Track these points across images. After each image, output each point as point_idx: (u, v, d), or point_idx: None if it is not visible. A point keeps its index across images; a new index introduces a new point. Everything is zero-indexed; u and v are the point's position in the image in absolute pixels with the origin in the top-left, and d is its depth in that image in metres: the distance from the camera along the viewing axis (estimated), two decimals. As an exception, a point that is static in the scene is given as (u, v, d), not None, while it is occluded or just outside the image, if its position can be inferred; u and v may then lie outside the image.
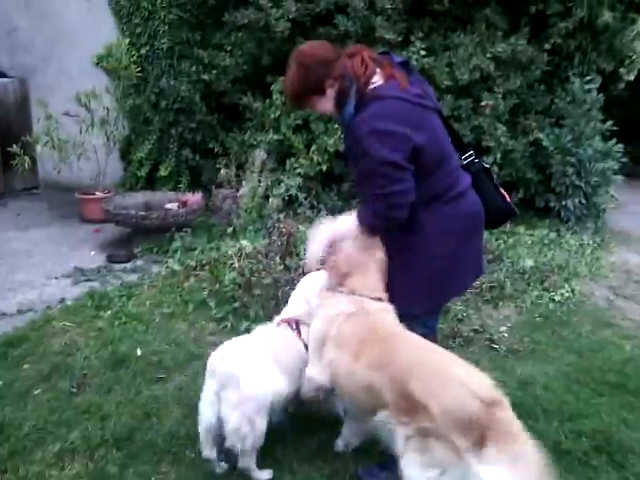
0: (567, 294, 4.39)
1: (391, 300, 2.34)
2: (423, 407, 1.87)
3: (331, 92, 2.27)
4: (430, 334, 2.36)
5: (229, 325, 3.78)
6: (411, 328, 2.23)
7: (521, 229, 5.54)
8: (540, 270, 4.64)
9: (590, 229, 5.66)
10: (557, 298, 4.32)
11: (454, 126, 5.35)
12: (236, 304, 3.88)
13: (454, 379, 1.91)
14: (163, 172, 6.13)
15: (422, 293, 2.33)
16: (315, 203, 5.38)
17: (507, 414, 1.85)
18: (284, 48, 5.65)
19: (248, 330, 3.61)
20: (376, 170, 2.15)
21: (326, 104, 2.31)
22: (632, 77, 6.53)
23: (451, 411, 1.82)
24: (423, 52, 5.46)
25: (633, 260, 5.22)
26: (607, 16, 5.77)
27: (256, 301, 3.80)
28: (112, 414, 2.88)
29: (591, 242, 5.42)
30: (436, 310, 2.54)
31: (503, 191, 2.58)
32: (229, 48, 5.92)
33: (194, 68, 6.03)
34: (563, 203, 5.67)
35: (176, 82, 6.05)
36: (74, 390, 3.09)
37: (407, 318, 2.28)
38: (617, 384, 3.29)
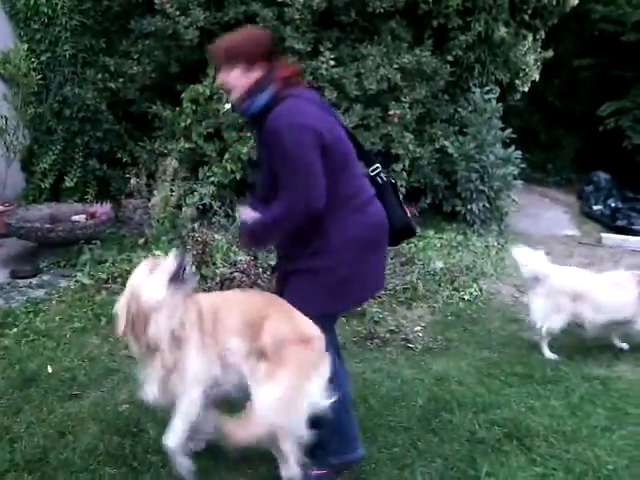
0: (475, 293, 4.61)
1: (292, 298, 2.33)
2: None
3: (254, 74, 2.27)
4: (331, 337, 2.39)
5: (144, 338, 3.66)
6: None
7: (430, 233, 5.76)
8: (450, 271, 4.84)
9: (494, 231, 5.96)
10: (466, 297, 4.52)
11: (364, 134, 5.52)
12: (151, 316, 3.77)
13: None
14: (69, 183, 5.86)
15: (322, 296, 2.31)
16: (230, 212, 5.34)
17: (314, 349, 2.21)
18: (193, 56, 5.60)
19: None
20: (299, 168, 2.15)
21: (241, 79, 2.27)
22: (526, 88, 6.97)
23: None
24: (332, 62, 5.55)
25: (534, 259, 5.54)
26: (502, 31, 6.14)
27: (172, 312, 3.70)
28: (22, 435, 2.72)
29: (495, 243, 5.72)
30: (334, 315, 2.52)
31: (406, 208, 2.59)
32: (136, 56, 5.78)
33: (100, 76, 5.83)
34: (468, 207, 5.94)
35: (81, 90, 5.83)
36: (-23, 414, 2.89)
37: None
38: (524, 375, 3.48)
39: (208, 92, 5.51)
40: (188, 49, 5.57)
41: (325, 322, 2.31)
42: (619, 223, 6.80)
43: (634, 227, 6.62)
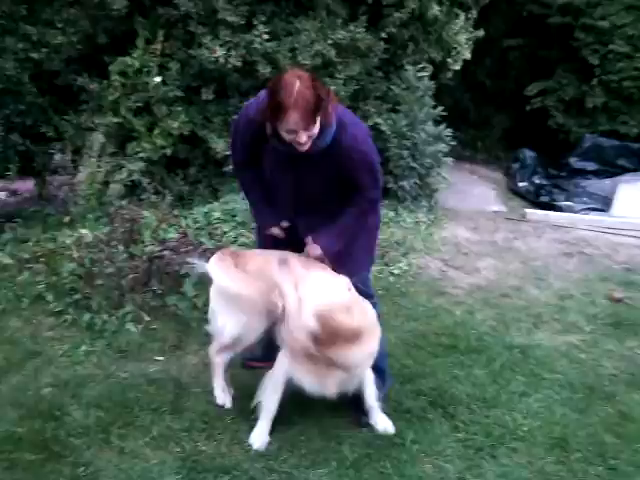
0: (405, 268, 4.72)
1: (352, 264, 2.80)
2: None
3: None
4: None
5: (69, 319, 3.57)
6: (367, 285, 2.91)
7: (364, 209, 5.82)
8: (381, 246, 4.91)
9: (424, 207, 6.09)
10: (396, 272, 4.63)
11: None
12: (76, 296, 3.69)
13: None
14: (-12, 159, 5.59)
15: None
16: (160, 188, 5.23)
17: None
18: (122, 27, 5.40)
19: (90, 323, 3.50)
20: (378, 170, 2.71)
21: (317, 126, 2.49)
22: (458, 67, 7.09)
23: None
24: (266, 36, 5.47)
25: (462, 234, 5.73)
26: (435, 9, 6.19)
27: (98, 292, 3.63)
28: None
29: (425, 219, 5.85)
30: None
31: None
32: (60, 25, 5.49)
33: (21, 45, 5.53)
34: (400, 184, 6.03)
35: (0, 60, 5.53)
36: None
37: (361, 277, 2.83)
38: (449, 346, 3.61)
39: (137, 65, 5.34)
40: (116, 19, 5.35)
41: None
42: (542, 199, 7.08)
43: (556, 203, 6.91)
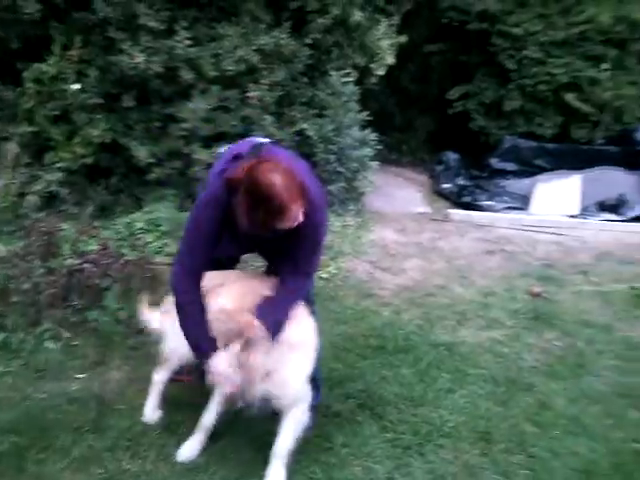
0: (334, 271, 4.76)
1: None
2: None
3: None
4: None
5: (-18, 338, 3.40)
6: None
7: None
8: (310, 251, 4.95)
9: (352, 211, 6.16)
10: (325, 276, 4.65)
11: (223, 116, 5.48)
12: (-10, 315, 3.51)
13: None
14: None
15: None
16: (81, 199, 5.06)
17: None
18: (36, 32, 5.19)
19: (5, 343, 3.34)
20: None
21: None
22: (382, 72, 7.22)
23: None
24: (188, 42, 5.40)
25: (389, 237, 5.84)
26: (357, 16, 6.29)
27: (14, 309, 3.46)
28: None
29: (353, 223, 5.93)
30: None
31: None
32: (-32, 29, 5.26)
33: None
34: (327, 188, 6.07)
35: None
36: None
37: None
38: (377, 347, 3.67)
39: (53, 71, 5.14)
40: (29, 24, 5.14)
41: None
42: (465, 199, 7.29)
43: (478, 203, 7.15)
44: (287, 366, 2.40)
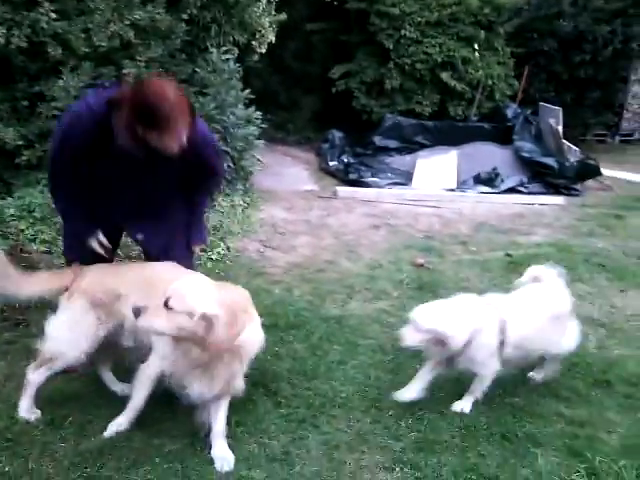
0: (223, 252, 4.70)
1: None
2: None
3: None
4: None
5: None
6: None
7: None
8: (198, 233, 4.85)
9: (240, 190, 6.11)
10: (214, 257, 4.59)
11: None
12: None
13: None
14: None
15: None
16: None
17: None
18: None
19: None
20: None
21: None
22: (264, 50, 7.16)
23: None
24: (54, 15, 5.04)
25: (278, 215, 5.86)
26: (235, -9, 6.19)
27: None
28: None
29: (242, 202, 5.89)
30: None
31: None
32: None
33: None
34: (214, 168, 5.98)
35: None
36: None
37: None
38: (270, 325, 3.63)
39: None
40: None
41: None
42: (351, 177, 7.47)
43: (364, 179, 7.34)
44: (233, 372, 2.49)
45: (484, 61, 8.85)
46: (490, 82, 8.87)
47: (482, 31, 8.72)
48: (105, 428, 2.58)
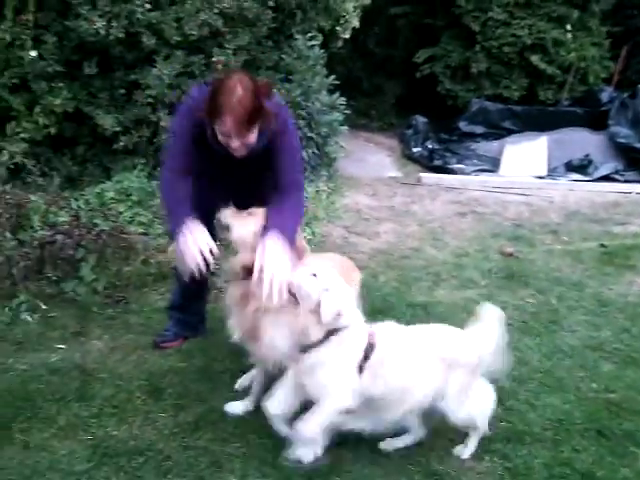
0: (309, 237, 4.75)
1: None
2: None
3: None
4: None
5: (-45, 315, 3.33)
6: None
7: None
8: (284, 217, 4.94)
9: (324, 176, 6.14)
10: (301, 241, 4.66)
11: (188, 82, 5.35)
12: (-38, 289, 3.43)
13: None
14: None
15: None
16: (47, 170, 4.93)
17: None
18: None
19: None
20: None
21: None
22: (348, 35, 7.14)
23: None
24: (148, 6, 5.23)
25: (362, 201, 5.87)
26: (320, -23, 6.20)
27: (-14, 283, 3.39)
28: None
29: (326, 188, 5.92)
30: None
31: None
32: None
33: None
34: (299, 154, 6.05)
35: None
36: None
37: None
38: (356, 309, 3.70)
39: (8, 37, 4.93)
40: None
41: None
42: (436, 163, 7.35)
43: (448, 166, 7.21)
44: None
45: (577, 42, 8.43)
46: (583, 64, 8.45)
47: (575, 10, 8.32)
48: (200, 402, 2.70)
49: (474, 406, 2.46)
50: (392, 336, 2.41)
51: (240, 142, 2.42)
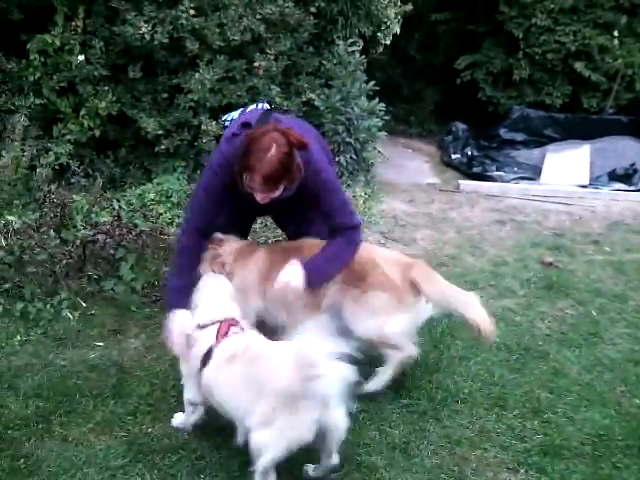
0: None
1: None
2: None
3: None
4: None
5: (0, 308, 3.43)
6: None
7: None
8: (320, 222, 4.96)
9: (361, 182, 6.13)
10: (337, 246, 4.66)
11: (230, 87, 5.43)
12: (7, 285, 3.53)
13: None
14: None
15: None
16: (90, 171, 5.06)
17: None
18: (37, 2, 5.13)
19: (24, 312, 3.37)
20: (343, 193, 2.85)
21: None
22: (388, 41, 7.13)
23: None
24: (192, 12, 5.33)
25: (399, 207, 5.84)
26: (363, -17, 6.20)
27: (31, 279, 3.50)
28: None
29: (363, 193, 5.90)
30: None
31: None
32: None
33: None
34: (336, 159, 6.05)
35: None
36: None
37: None
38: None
39: (58, 43, 5.09)
40: (30, -6, 5.09)
41: None
42: (475, 170, 7.25)
43: (488, 173, 7.11)
44: None
45: (624, 49, 8.22)
46: (630, 71, 8.25)
47: (624, 16, 8.13)
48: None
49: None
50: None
51: (264, 195, 2.53)
